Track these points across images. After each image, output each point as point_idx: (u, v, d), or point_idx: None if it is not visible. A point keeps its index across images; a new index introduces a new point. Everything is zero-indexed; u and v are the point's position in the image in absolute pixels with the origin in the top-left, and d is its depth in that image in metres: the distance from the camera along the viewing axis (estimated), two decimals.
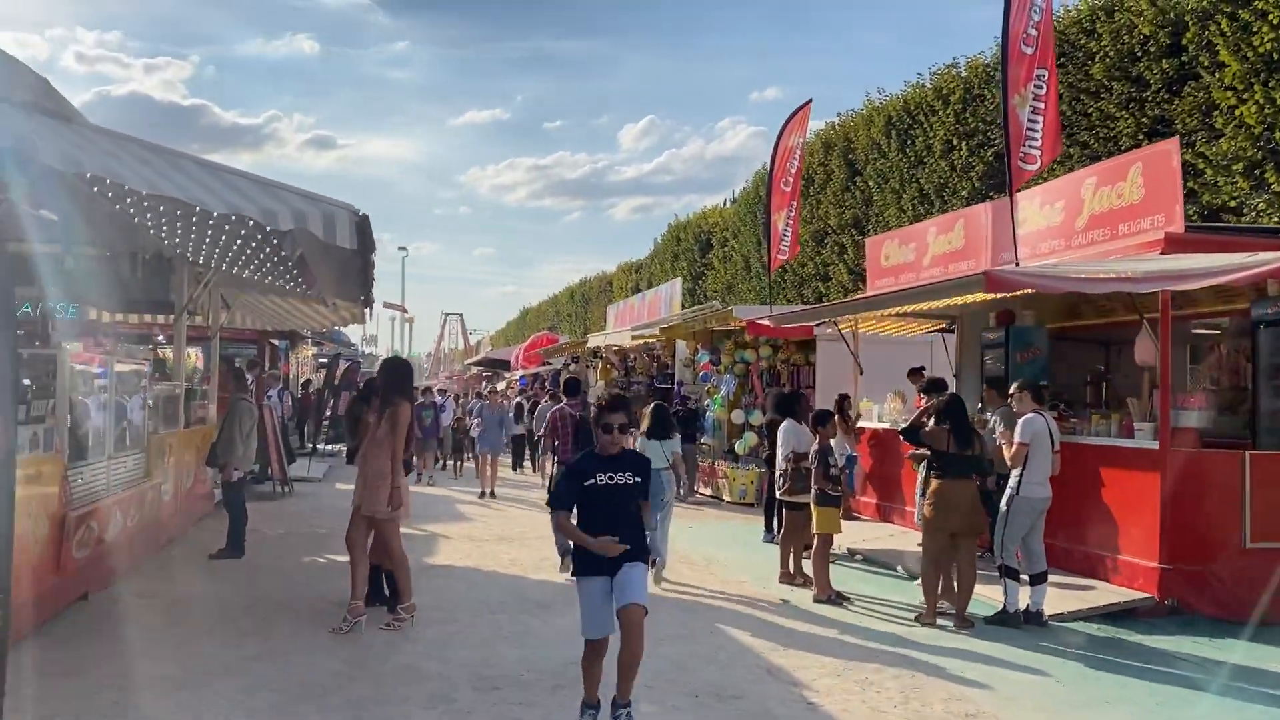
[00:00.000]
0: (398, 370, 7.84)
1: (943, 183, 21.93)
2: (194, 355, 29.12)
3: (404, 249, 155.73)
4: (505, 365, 40.64)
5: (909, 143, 23.09)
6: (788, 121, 16.42)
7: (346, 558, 7.67)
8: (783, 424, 10.22)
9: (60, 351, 7.39)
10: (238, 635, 7.12)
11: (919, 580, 8.50)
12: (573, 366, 28.03)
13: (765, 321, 13.77)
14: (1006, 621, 8.01)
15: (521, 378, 34.64)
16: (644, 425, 9.66)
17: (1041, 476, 8.08)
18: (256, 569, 9.54)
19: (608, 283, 48.91)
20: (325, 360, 26.66)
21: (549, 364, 31.39)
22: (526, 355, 33.95)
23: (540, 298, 65.79)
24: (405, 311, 75.97)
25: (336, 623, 7.27)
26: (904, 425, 8.86)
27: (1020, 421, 8.23)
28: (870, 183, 24.56)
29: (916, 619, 8.17)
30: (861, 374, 13.99)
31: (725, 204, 36.78)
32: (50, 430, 6.73)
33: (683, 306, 23.08)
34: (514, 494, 17.36)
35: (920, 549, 8.57)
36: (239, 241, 8.24)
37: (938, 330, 16.01)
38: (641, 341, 22.00)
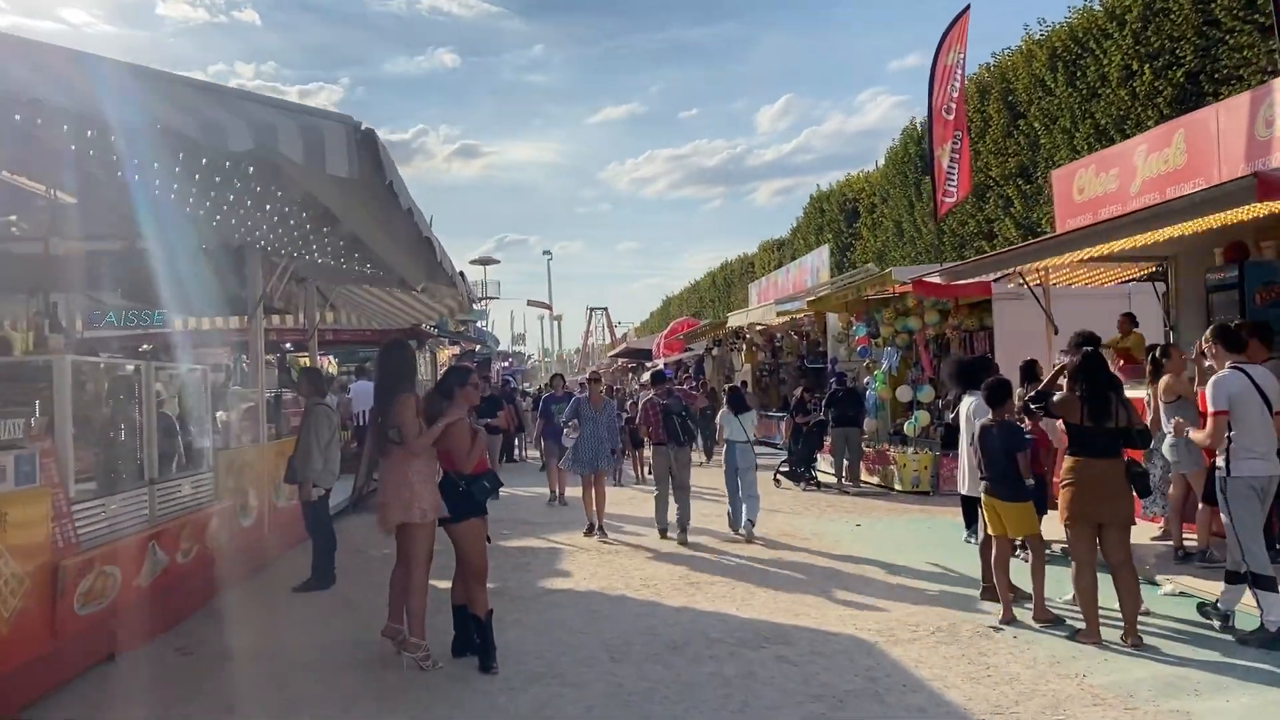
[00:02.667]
0: (392, 358, 6.35)
1: (1123, 114, 19.08)
2: (331, 362, 28.63)
3: (549, 253, 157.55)
4: (647, 354, 39.11)
5: (1079, 75, 20.30)
6: (945, 35, 14.00)
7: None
8: (964, 400, 8.19)
9: (59, 358, 6.01)
10: (283, 706, 5.55)
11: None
12: (716, 350, 26.13)
13: (934, 279, 11.54)
14: (1269, 643, 6.08)
15: (666, 368, 32.97)
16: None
17: (1261, 446, 6.29)
18: (345, 604, 8.04)
19: (749, 264, 46.84)
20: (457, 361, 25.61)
21: (691, 349, 29.58)
22: (667, 342, 32.23)
23: (682, 287, 64.17)
24: (550, 309, 75.79)
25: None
26: (1029, 395, 6.83)
27: (1211, 383, 6.49)
28: (1036, 124, 21.76)
29: (1073, 636, 6.40)
30: (1057, 333, 11.57)
31: (874, 167, 34.15)
32: (30, 457, 5.30)
33: (832, 277, 20.85)
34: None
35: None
36: (269, 206, 6.71)
37: (1142, 276, 13.41)
38: (788, 318, 19.92)
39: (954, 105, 14.15)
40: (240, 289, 10.00)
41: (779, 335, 22.50)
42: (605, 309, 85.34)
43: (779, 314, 18.85)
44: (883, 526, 11.48)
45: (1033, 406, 7.38)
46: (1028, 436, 9.03)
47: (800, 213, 39.86)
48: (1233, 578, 6.46)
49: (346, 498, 12.40)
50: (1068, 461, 6.55)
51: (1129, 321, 9.78)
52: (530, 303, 78.16)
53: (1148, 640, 6.30)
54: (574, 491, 12.86)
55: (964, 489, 8.41)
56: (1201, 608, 6.88)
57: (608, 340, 78.41)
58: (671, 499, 10.77)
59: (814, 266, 21.17)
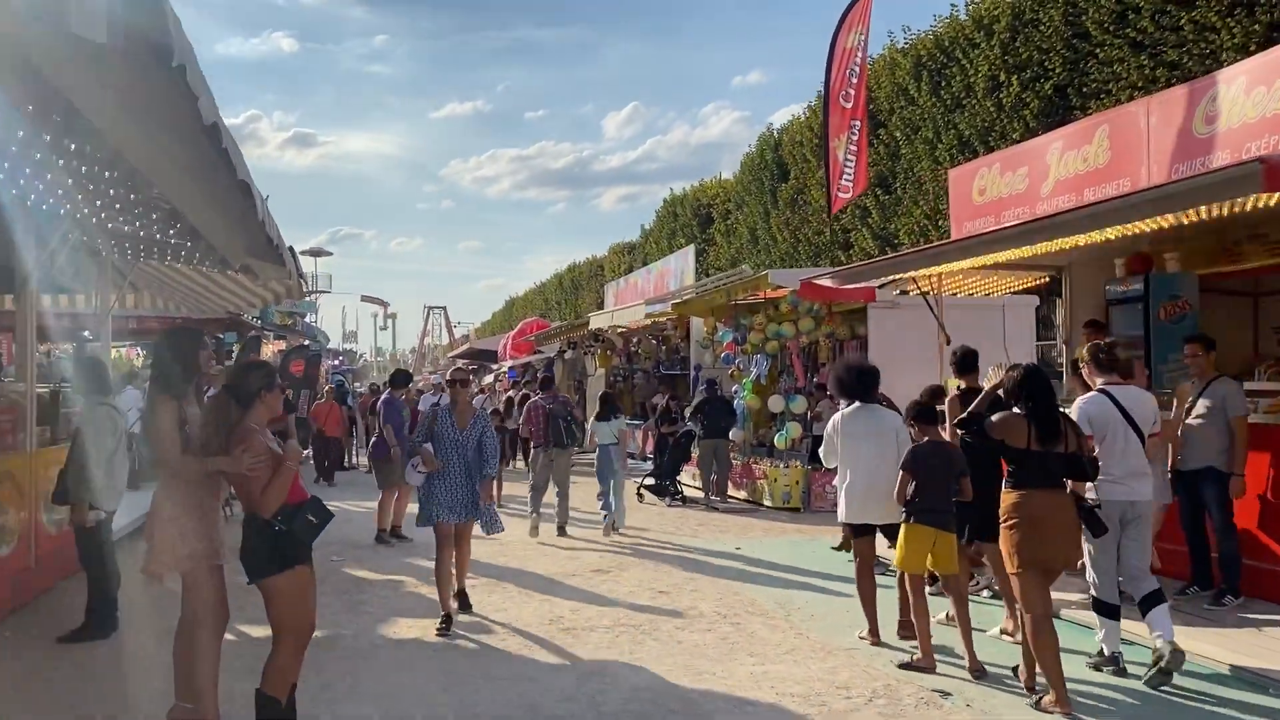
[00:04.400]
0: (163, 350, 5.03)
1: (988, 125, 18.91)
2: (137, 355, 25.69)
3: (385, 243, 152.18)
4: (492, 356, 37.44)
5: (944, 84, 20.08)
6: (846, 14, 13.02)
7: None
8: (841, 412, 7.40)
9: None
10: None
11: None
12: (569, 353, 24.78)
13: (825, 282, 10.54)
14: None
15: (510, 369, 31.37)
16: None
17: (1117, 470, 6.02)
18: (126, 661, 6.29)
19: (599, 267, 45.75)
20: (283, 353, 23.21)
21: (540, 352, 28.14)
22: (515, 344, 30.65)
23: (527, 288, 62.54)
24: (386, 306, 73.04)
25: None
26: (962, 415, 6.04)
27: (1074, 406, 6.21)
28: (897, 133, 21.46)
29: (1037, 705, 5.42)
30: (949, 344, 10.80)
31: (717, 177, 33.60)
32: None
33: (696, 280, 19.84)
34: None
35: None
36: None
37: (1031, 288, 12.88)
38: (651, 321, 18.79)
39: (853, 92, 13.29)
40: (7, 259, 8.02)
41: (635, 339, 21.34)
42: (444, 308, 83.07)
43: (648, 315, 17.66)
44: (763, 549, 10.41)
45: (961, 430, 6.36)
46: None
47: (648, 219, 39.18)
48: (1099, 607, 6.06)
49: (137, 518, 10.50)
50: (1009, 496, 5.57)
51: (1096, 330, 9.04)
52: (364, 298, 74.77)
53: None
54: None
55: (850, 516, 7.12)
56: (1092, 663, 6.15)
57: (446, 340, 76.05)
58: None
59: (678, 269, 20.12)
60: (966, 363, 7.80)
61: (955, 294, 12.26)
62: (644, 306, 17.87)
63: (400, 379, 11.83)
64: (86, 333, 15.86)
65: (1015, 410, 5.65)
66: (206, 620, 4.57)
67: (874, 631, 6.72)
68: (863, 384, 7.29)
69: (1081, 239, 7.85)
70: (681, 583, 8.75)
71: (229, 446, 4.47)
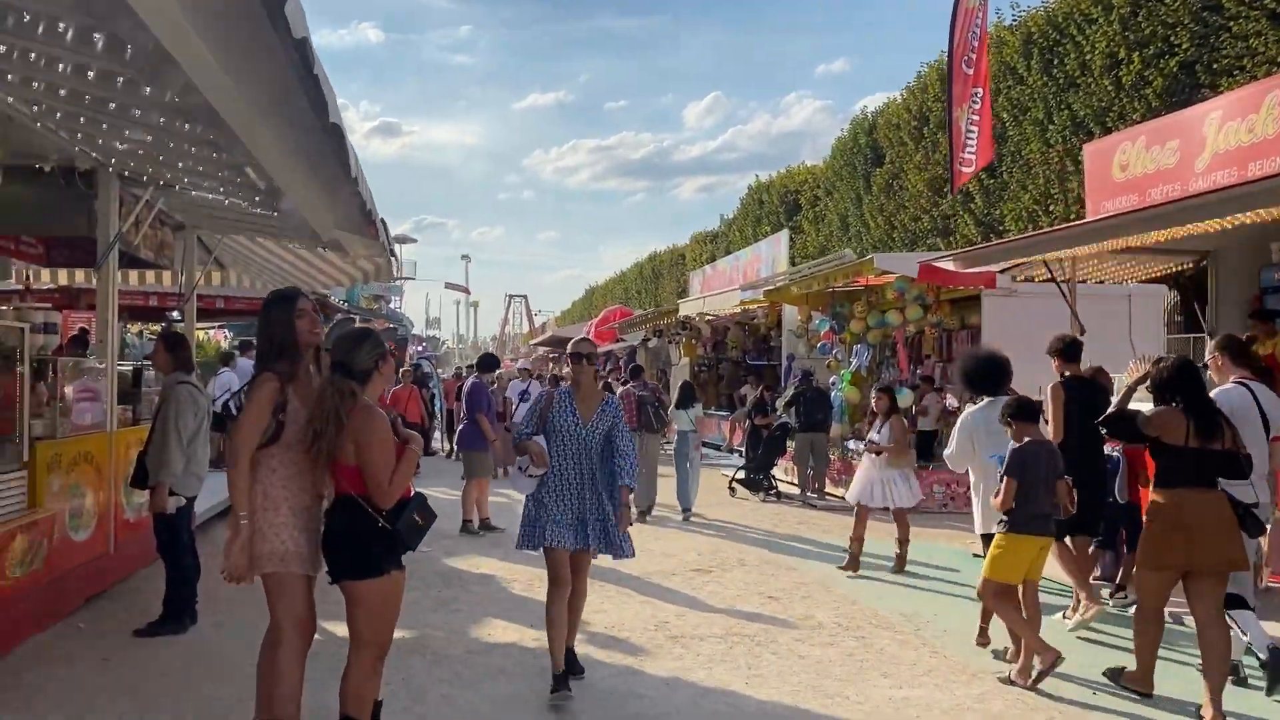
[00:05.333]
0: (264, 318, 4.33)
1: (1106, 106, 17.76)
2: (226, 336, 25.75)
3: (467, 257, 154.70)
4: None
5: (1055, 63, 18.97)
6: None
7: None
8: (972, 407, 7.01)
9: None
10: None
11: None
12: (653, 342, 24.16)
13: (947, 265, 9.72)
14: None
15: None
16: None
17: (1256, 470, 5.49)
18: (203, 661, 5.83)
19: (680, 256, 45.12)
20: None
21: (623, 340, 27.60)
22: (598, 332, 30.12)
23: (604, 278, 62.20)
24: (468, 293, 73.57)
25: None
26: (1109, 413, 5.64)
27: (1213, 395, 5.65)
28: (1004, 115, 20.35)
29: (1117, 678, 5.47)
30: (1083, 334, 9.91)
31: (801, 165, 32.70)
32: None
33: (791, 266, 19.03)
34: None
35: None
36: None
37: (1159, 277, 11.89)
38: (741, 309, 18.06)
39: (974, 57, 12.33)
40: (90, 230, 7.66)
41: (724, 329, 20.61)
42: (525, 296, 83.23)
43: (741, 302, 16.93)
44: (871, 552, 9.65)
45: (1106, 428, 5.76)
46: (1111, 453, 7.50)
47: (727, 208, 38.49)
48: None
49: (223, 500, 10.13)
50: (1157, 495, 5.23)
51: (1266, 319, 8.20)
52: (448, 285, 75.21)
53: None
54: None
55: (983, 526, 6.67)
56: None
57: (526, 329, 76.17)
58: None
59: (769, 255, 19.31)
60: (1072, 350, 7.30)
61: (1085, 280, 11.35)
62: (738, 292, 17.15)
63: (488, 363, 11.35)
64: (174, 313, 15.72)
65: (1170, 405, 5.28)
66: (291, 630, 4.02)
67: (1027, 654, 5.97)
68: (994, 376, 6.77)
69: (1247, 217, 6.98)
70: (790, 588, 8.06)
71: (348, 428, 3.92)
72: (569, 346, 5.61)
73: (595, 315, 40.51)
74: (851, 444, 13.75)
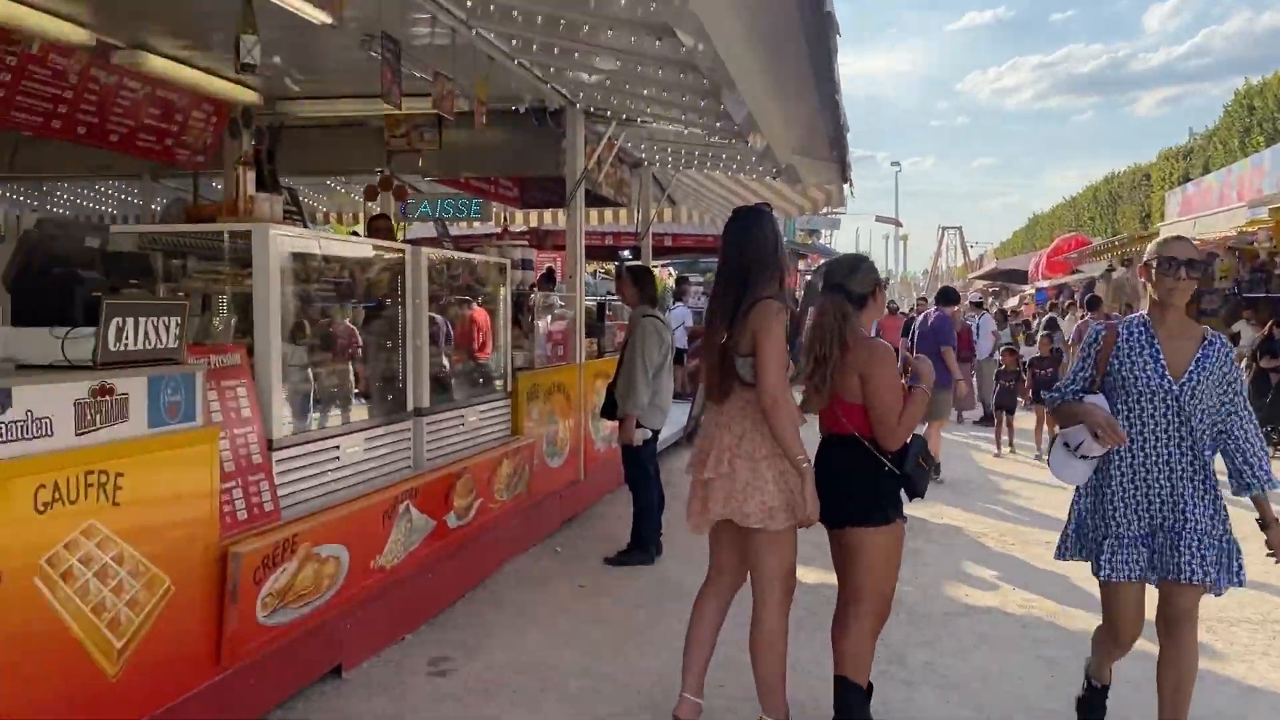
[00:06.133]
0: (743, 233, 3.70)
1: None
2: (670, 274, 26.91)
3: (897, 164, 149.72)
4: (1018, 277, 34.53)
5: None
6: None
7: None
8: None
9: (259, 228, 4.00)
10: None
11: None
12: (1118, 272, 21.62)
13: None
14: None
15: (1039, 291, 28.49)
16: None
17: None
18: (671, 591, 5.78)
19: (1144, 176, 40.09)
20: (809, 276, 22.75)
21: (1079, 271, 25.05)
22: (1050, 263, 27.69)
23: (1048, 205, 57.17)
24: (899, 225, 71.64)
25: None
26: None
27: None
28: None
29: None
30: None
31: None
32: (185, 380, 3.32)
33: None
34: None
35: None
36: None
37: None
38: (1237, 232, 15.39)
39: None
40: (558, 169, 7.92)
41: (1213, 255, 17.78)
42: (959, 228, 79.29)
43: (1252, 221, 14.43)
44: None
45: None
46: None
47: (1196, 122, 33.36)
48: None
49: (677, 430, 10.31)
50: None
51: None
52: (878, 219, 73.59)
53: None
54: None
55: None
56: None
57: (960, 262, 72.74)
58: None
59: (1274, 167, 16.25)
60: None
61: None
62: (1242, 210, 14.61)
63: (949, 295, 10.51)
64: (626, 252, 16.44)
65: None
66: (779, 592, 3.66)
67: None
68: None
69: None
70: None
71: (849, 361, 3.52)
72: (1157, 248, 3.44)
73: (1042, 245, 37.41)
74: None
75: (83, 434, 2.94)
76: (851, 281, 3.65)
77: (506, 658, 4.72)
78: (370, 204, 9.18)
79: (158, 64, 6.68)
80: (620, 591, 5.83)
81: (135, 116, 6.88)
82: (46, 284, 3.14)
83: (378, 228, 7.74)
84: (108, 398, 3.04)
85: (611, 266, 20.26)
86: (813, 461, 3.58)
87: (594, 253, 17.96)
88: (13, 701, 2.68)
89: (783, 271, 3.69)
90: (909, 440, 3.58)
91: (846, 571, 3.66)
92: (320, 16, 5.34)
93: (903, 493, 3.65)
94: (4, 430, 2.66)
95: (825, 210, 11.86)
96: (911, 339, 10.49)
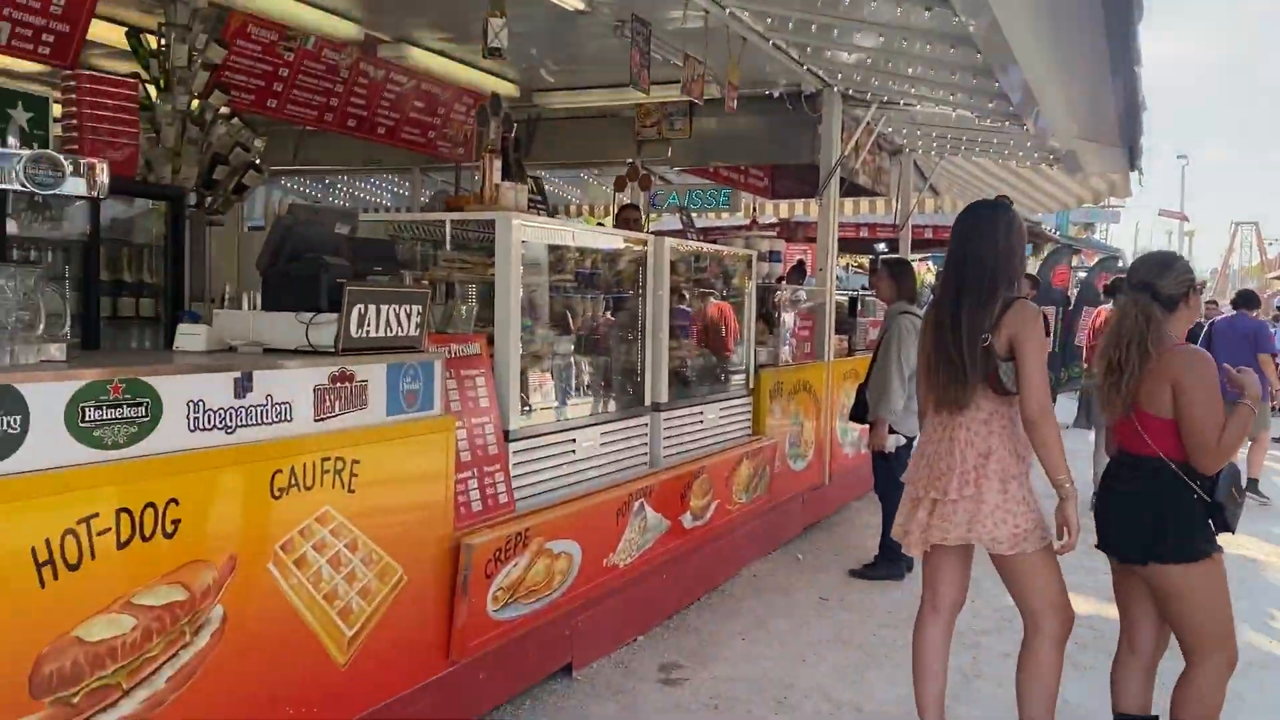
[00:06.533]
0: (985, 229, 3.29)
1: None
2: (930, 268, 25.76)
3: (1184, 157, 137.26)
4: None
5: None
6: None
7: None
8: None
9: (502, 215, 3.93)
10: None
11: None
12: None
13: None
14: None
15: None
16: None
17: None
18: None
19: None
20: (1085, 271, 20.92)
21: None
22: None
23: None
24: (1186, 220, 65.71)
25: None
26: None
27: None
28: None
29: None
30: None
31: None
32: (424, 369, 3.27)
33: None
34: None
35: None
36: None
37: None
38: None
39: None
40: (812, 156, 7.56)
41: None
42: (1255, 224, 71.73)
43: None
44: None
45: None
46: None
47: None
48: None
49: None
50: None
51: None
52: (1162, 213, 67.65)
53: None
54: None
55: None
56: None
57: (1256, 261, 65.81)
58: None
59: None
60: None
61: None
62: None
63: (1249, 299, 9.30)
64: (881, 245, 15.74)
65: None
66: (1048, 622, 3.22)
67: None
68: None
69: None
70: None
71: (1158, 370, 3.08)
72: None
73: None
74: None
75: (321, 420, 2.94)
76: (1162, 281, 3.17)
77: (740, 671, 4.47)
78: (619, 194, 9.19)
79: (420, 57, 6.90)
80: (865, 608, 5.45)
81: (401, 109, 7.15)
82: (295, 270, 3.18)
83: (626, 218, 7.68)
84: (347, 384, 3.04)
85: (864, 260, 19.52)
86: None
87: (847, 245, 17.35)
88: (245, 685, 2.70)
89: (1018, 274, 3.29)
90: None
91: (1166, 614, 3.20)
92: (573, 1, 5.28)
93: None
94: (243, 414, 2.67)
95: (1105, 202, 10.84)
96: (1205, 346, 9.37)
